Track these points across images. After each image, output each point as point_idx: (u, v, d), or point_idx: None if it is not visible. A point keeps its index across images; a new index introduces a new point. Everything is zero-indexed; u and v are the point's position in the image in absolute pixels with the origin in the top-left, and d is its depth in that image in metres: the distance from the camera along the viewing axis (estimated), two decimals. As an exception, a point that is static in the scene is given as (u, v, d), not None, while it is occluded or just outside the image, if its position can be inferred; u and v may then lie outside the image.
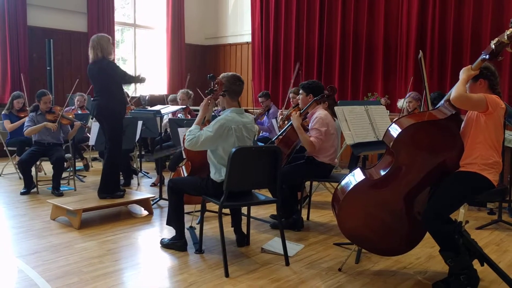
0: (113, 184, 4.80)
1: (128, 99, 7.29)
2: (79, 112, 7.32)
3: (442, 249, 3.00)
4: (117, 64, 4.82)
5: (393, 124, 3.11)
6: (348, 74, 9.03)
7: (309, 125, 4.31)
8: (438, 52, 7.88)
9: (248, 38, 10.86)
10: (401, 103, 7.23)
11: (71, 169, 6.15)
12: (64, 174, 6.04)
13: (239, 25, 11.18)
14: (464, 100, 2.88)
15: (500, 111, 2.96)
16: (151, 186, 6.21)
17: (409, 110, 5.97)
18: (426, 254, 3.71)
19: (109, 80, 4.67)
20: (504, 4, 7.16)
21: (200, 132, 3.48)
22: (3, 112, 6.63)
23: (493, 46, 2.78)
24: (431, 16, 7.89)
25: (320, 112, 4.31)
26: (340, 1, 8.99)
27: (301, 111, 4.37)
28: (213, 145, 3.48)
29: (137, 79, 4.95)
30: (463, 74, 2.96)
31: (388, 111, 7.64)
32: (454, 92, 2.88)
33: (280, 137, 4.49)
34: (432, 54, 7.93)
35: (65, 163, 5.87)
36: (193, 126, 3.59)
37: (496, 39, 2.78)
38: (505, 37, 2.71)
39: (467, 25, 7.55)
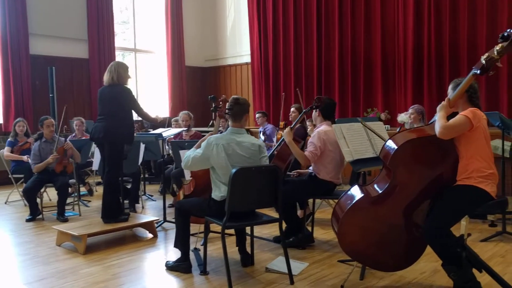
0: (115, 208, 4.80)
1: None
2: (82, 138, 7.30)
3: (444, 263, 3.01)
4: (132, 92, 4.86)
5: (389, 141, 3.15)
6: (348, 90, 9.10)
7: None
8: (435, 64, 7.96)
9: (247, 58, 10.98)
10: (401, 117, 7.29)
11: (76, 194, 6.19)
12: (69, 200, 6.08)
13: (238, 46, 11.32)
14: (450, 129, 2.96)
15: (484, 121, 3.04)
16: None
17: (411, 122, 6.01)
18: (431, 269, 3.71)
19: (122, 104, 4.71)
20: (498, 14, 7.25)
21: (192, 152, 3.60)
22: (8, 139, 6.71)
23: (484, 61, 2.82)
24: (426, 29, 7.99)
25: (321, 128, 4.35)
26: (337, 19, 9.13)
27: (291, 126, 4.43)
28: (205, 164, 3.56)
29: (152, 119, 5.15)
30: (441, 110, 3.06)
31: (388, 125, 7.73)
32: (437, 127, 2.97)
33: (275, 152, 4.55)
34: (430, 67, 8.01)
35: (69, 189, 5.91)
36: (191, 149, 3.71)
37: (486, 54, 2.82)
38: (495, 52, 2.76)
39: (462, 37, 7.64)
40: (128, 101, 4.74)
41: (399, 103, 8.39)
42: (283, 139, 4.45)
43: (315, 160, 4.26)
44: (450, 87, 3.18)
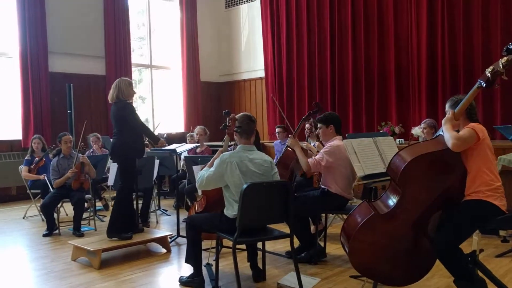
0: (119, 224, 4.76)
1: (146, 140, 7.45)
2: (97, 153, 7.43)
3: (456, 278, 2.98)
4: (135, 109, 4.88)
5: (396, 157, 3.14)
6: (362, 104, 9.10)
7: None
8: (449, 77, 7.92)
9: (261, 73, 11.07)
10: (415, 131, 7.26)
11: (92, 209, 6.27)
12: (85, 215, 6.16)
13: (252, 61, 11.42)
14: (462, 141, 2.96)
15: (487, 134, 3.06)
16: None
17: (424, 137, 6.01)
18: (444, 285, 3.67)
19: (125, 120, 4.75)
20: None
21: (205, 172, 3.63)
22: (25, 158, 6.86)
23: (489, 74, 2.82)
24: (440, 42, 7.97)
25: (335, 142, 4.39)
26: (350, 32, 9.16)
27: (293, 134, 4.67)
28: (220, 182, 3.57)
29: (154, 137, 5.08)
30: (446, 123, 3.07)
31: (402, 139, 7.67)
32: (450, 140, 2.96)
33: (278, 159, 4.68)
34: (444, 80, 7.98)
35: (85, 204, 5.99)
36: (204, 168, 3.73)
37: (491, 67, 2.82)
38: (500, 65, 2.75)
39: (477, 50, 7.59)
40: (129, 117, 4.75)
41: (413, 117, 8.35)
42: (286, 147, 4.62)
43: (317, 169, 4.35)
44: (447, 105, 3.20)
